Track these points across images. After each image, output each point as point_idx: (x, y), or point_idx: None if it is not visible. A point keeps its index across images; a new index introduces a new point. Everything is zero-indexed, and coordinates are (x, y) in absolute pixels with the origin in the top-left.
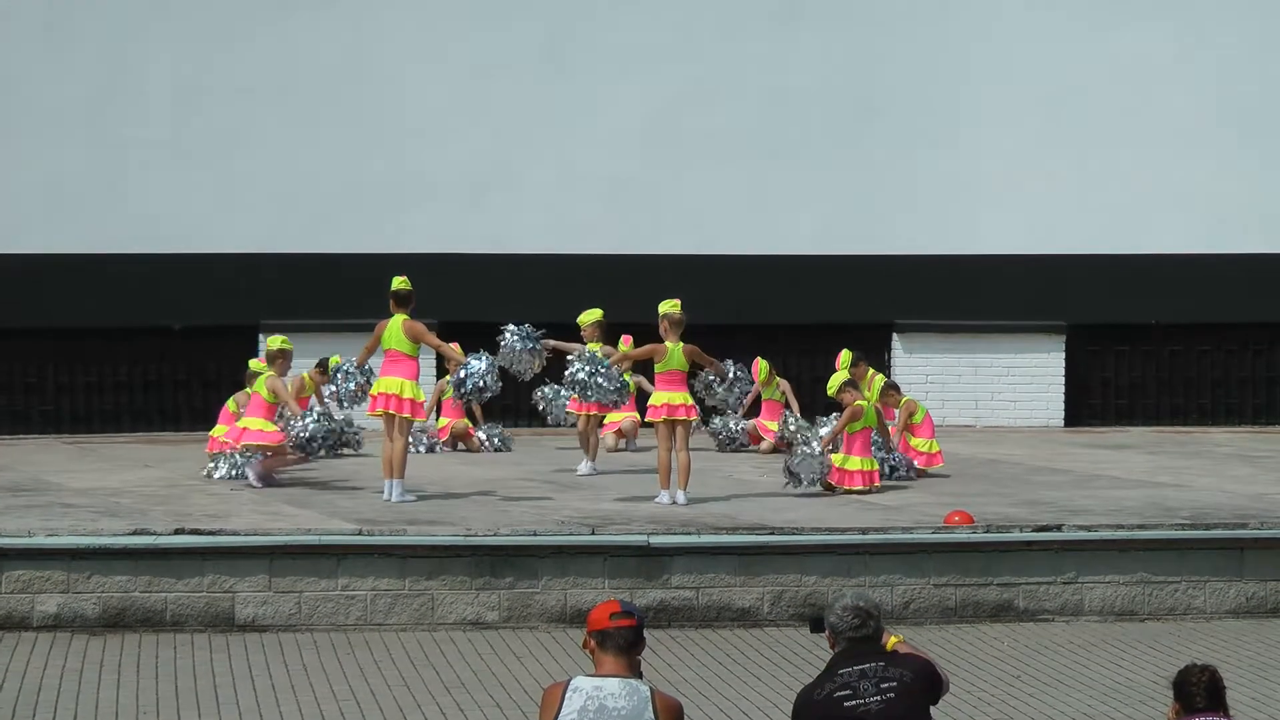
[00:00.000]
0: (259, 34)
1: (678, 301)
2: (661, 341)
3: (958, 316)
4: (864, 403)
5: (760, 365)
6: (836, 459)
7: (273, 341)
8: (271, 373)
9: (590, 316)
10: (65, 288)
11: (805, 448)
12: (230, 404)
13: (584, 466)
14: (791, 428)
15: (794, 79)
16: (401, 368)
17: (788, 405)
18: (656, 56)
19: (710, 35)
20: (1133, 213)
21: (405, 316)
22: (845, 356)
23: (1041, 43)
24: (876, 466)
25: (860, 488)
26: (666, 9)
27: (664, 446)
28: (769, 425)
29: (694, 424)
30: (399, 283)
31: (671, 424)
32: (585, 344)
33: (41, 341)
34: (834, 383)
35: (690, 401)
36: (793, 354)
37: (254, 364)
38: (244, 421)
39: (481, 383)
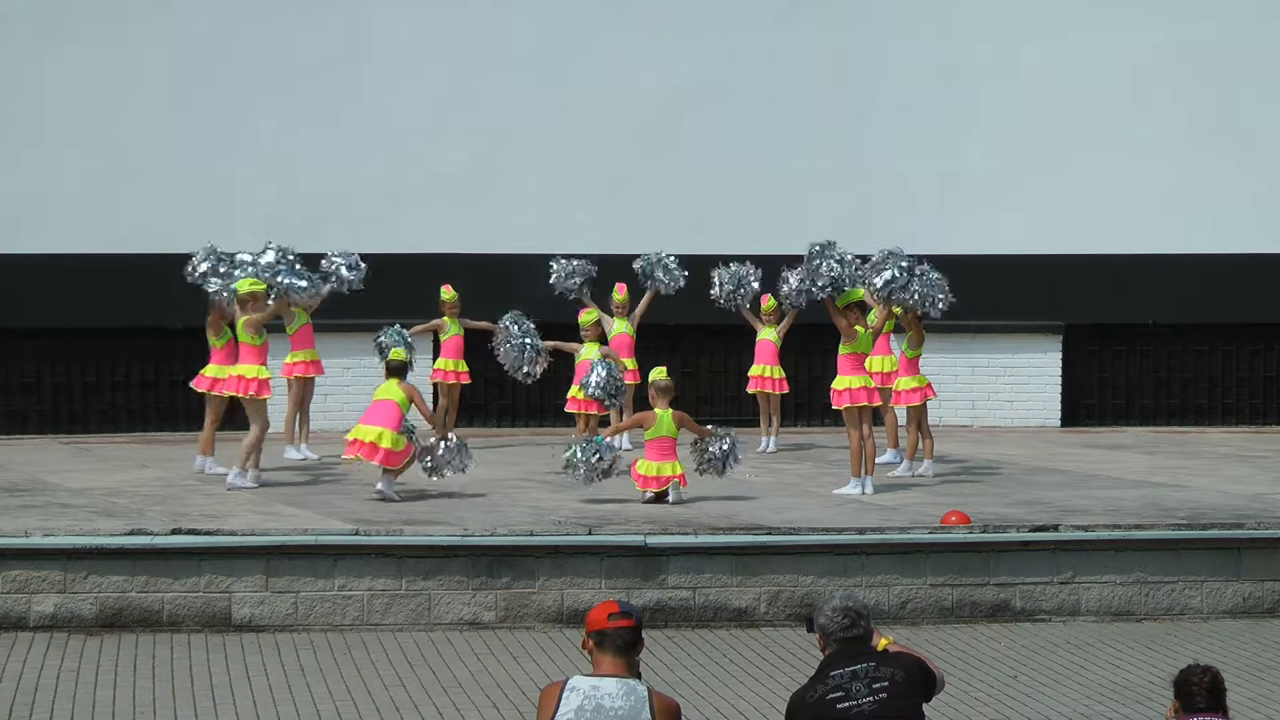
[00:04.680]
0: (256, 34)
1: (664, 368)
2: (651, 409)
3: (954, 316)
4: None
5: (769, 302)
6: None
7: (241, 285)
8: (245, 317)
9: (590, 317)
10: (62, 287)
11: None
12: (218, 341)
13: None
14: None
15: (792, 79)
16: (384, 415)
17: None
18: (654, 56)
19: (708, 35)
20: (1130, 213)
21: (398, 381)
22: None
23: (1039, 43)
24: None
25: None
26: (664, 8)
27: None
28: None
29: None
30: (396, 354)
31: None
32: (584, 344)
33: (38, 341)
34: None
35: (680, 471)
36: (789, 353)
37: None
38: (237, 369)
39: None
